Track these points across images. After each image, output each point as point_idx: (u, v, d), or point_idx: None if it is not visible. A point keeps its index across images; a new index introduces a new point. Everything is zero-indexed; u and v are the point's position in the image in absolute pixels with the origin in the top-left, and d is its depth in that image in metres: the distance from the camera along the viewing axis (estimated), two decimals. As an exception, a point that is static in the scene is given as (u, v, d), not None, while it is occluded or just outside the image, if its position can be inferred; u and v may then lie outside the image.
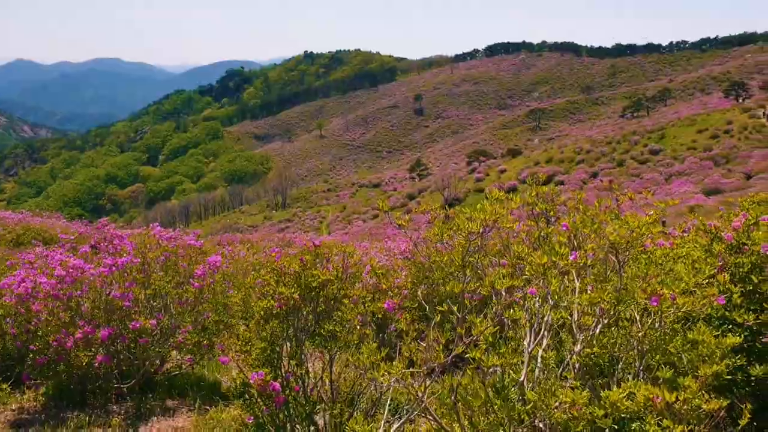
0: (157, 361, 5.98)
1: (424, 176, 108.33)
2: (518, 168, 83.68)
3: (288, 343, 3.75)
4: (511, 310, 2.85)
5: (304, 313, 3.69)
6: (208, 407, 5.50)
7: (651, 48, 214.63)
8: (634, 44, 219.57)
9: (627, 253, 3.02)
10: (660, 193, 58.21)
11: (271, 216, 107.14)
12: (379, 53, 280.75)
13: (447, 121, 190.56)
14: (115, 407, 5.54)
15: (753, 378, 3.19)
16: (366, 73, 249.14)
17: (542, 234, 3.37)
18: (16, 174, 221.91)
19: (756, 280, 3.46)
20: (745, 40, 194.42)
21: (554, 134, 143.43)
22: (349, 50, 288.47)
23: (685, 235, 4.36)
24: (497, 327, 2.62)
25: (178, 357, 6.29)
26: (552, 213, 3.38)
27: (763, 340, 3.29)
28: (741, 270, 3.54)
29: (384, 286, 3.55)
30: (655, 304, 2.70)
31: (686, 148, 70.78)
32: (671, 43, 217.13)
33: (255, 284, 4.06)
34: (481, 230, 2.93)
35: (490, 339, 2.50)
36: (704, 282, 3.01)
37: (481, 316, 2.68)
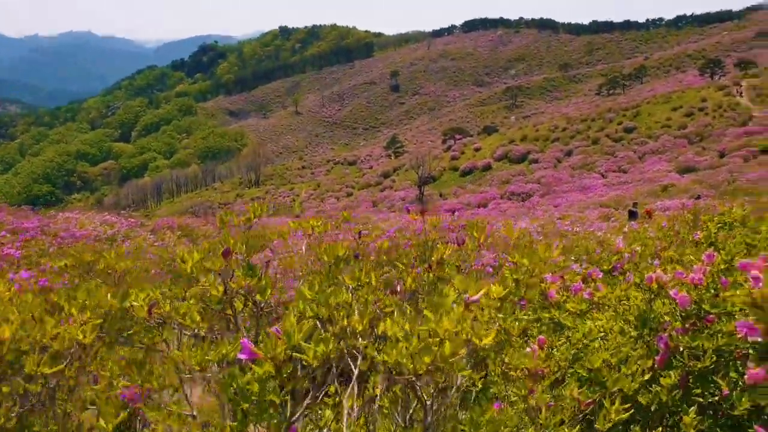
0: None
1: (399, 154, 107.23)
2: (493, 146, 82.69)
3: None
4: None
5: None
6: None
7: (628, 25, 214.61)
8: (611, 21, 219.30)
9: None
10: (634, 172, 57.73)
11: (244, 193, 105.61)
12: (356, 28, 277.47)
13: (424, 98, 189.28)
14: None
15: None
16: (342, 48, 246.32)
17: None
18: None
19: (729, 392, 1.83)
20: (722, 17, 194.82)
21: (530, 112, 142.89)
22: (325, 25, 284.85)
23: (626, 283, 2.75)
24: None
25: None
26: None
27: None
28: (698, 365, 1.94)
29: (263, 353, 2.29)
30: None
31: (661, 125, 70.41)
32: (648, 20, 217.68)
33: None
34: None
35: None
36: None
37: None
